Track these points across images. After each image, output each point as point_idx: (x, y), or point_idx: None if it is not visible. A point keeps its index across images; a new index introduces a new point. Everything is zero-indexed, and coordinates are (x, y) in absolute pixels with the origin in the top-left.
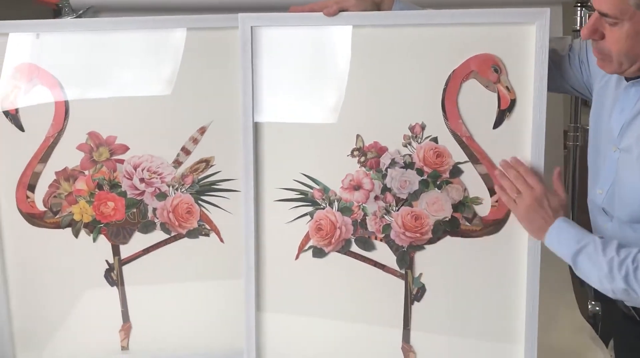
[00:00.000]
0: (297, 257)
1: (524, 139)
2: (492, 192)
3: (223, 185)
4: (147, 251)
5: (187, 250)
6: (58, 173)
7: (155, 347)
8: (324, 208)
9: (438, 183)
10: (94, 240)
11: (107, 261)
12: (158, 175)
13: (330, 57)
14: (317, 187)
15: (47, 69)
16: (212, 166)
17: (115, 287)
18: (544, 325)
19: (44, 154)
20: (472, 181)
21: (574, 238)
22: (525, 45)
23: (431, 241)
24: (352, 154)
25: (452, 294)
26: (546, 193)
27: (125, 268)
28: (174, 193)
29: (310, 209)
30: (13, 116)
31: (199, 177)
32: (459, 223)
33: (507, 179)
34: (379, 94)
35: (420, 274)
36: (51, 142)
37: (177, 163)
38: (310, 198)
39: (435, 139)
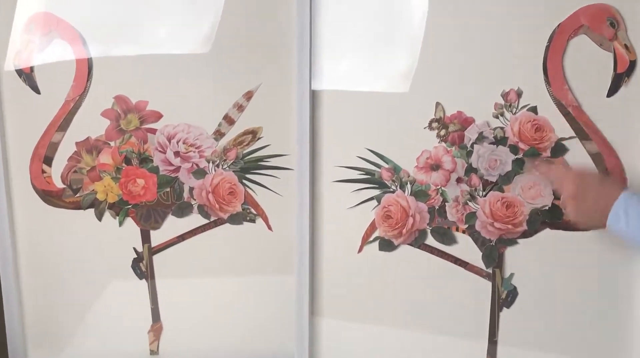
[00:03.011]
0: (360, 250)
1: None
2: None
3: (273, 162)
4: (182, 238)
5: (229, 239)
6: (79, 144)
7: (189, 352)
8: (393, 192)
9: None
10: (120, 223)
11: (135, 249)
12: (196, 148)
13: (404, 8)
14: (386, 166)
15: (67, 20)
16: (259, 138)
17: (144, 280)
18: None
19: (63, 121)
20: (579, 161)
21: None
22: None
23: (526, 235)
24: (430, 127)
25: (550, 300)
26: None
27: (156, 257)
28: (215, 170)
29: (377, 192)
30: (27, 76)
31: (245, 151)
32: (561, 213)
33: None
34: (464, 54)
35: (512, 274)
36: (71, 107)
37: (219, 134)
38: (377, 178)
39: (533, 109)
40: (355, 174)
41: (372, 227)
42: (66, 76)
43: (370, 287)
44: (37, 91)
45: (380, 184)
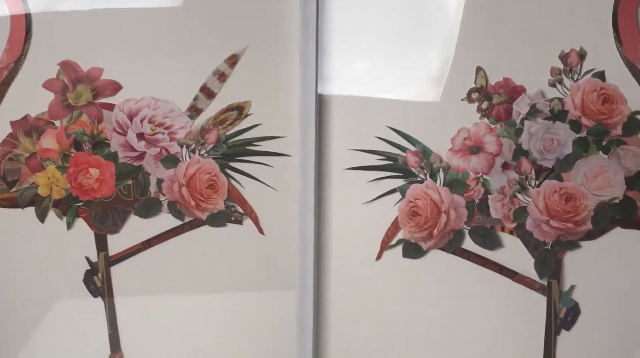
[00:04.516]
0: (378, 257)
1: None
2: None
3: (265, 146)
4: (148, 244)
5: (209, 245)
6: (15, 124)
7: None
8: (422, 182)
9: (604, 143)
10: (69, 226)
11: (88, 258)
12: (165, 129)
13: None
14: (413, 148)
15: None
16: (247, 115)
17: (99, 298)
18: None
19: None
20: None
21: None
22: None
23: (590, 236)
24: (468, 98)
25: (621, 320)
26: None
27: (115, 269)
28: (190, 157)
29: (401, 182)
30: None
31: (228, 133)
32: (636, 208)
33: None
34: (510, 4)
35: (572, 287)
36: (5, 76)
37: (195, 111)
38: (401, 165)
39: (600, 75)
40: (374, 160)
41: (395, 227)
42: None
43: (392, 304)
44: None
45: (405, 172)
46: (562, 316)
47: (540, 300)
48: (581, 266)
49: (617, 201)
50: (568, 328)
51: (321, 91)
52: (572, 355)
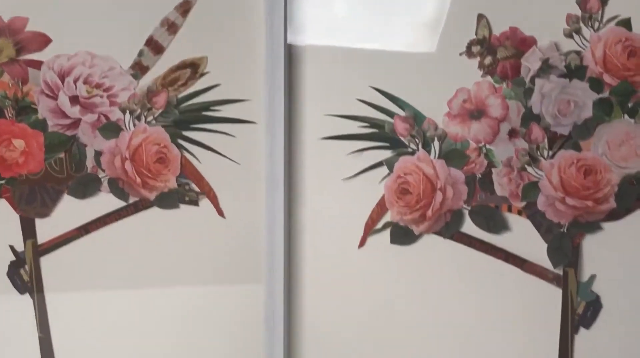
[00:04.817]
0: (361, 243)
1: None
2: None
3: (225, 111)
4: (85, 230)
5: (158, 230)
6: None
7: None
8: (413, 153)
9: (630, 105)
10: None
11: (12, 247)
12: (104, 91)
13: None
14: (402, 113)
15: None
16: (203, 74)
17: (27, 295)
18: None
19: None
20: None
21: None
22: None
23: (614, 216)
24: (468, 52)
25: None
26: None
27: (45, 260)
28: (134, 125)
29: (388, 154)
30: None
31: (181, 96)
32: None
33: None
34: None
35: (592, 277)
36: None
37: (140, 69)
38: (387, 133)
39: (626, 23)
40: (355, 127)
41: (381, 208)
42: None
43: (377, 299)
44: None
45: (393, 142)
46: (580, 311)
47: (555, 293)
48: (603, 253)
49: None
50: (587, 326)
51: (291, 41)
52: (592, 356)
